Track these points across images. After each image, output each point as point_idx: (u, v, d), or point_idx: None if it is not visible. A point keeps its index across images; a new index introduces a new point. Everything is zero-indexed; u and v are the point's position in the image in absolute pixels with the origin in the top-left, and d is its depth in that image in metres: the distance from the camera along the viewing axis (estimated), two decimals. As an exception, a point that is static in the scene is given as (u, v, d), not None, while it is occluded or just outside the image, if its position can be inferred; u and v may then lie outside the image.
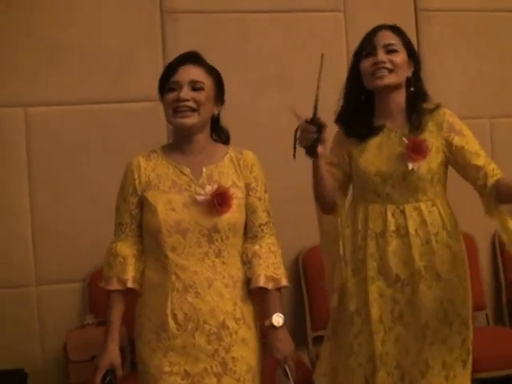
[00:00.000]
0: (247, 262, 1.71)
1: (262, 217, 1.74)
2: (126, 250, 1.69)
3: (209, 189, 1.66)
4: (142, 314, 1.70)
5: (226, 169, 1.72)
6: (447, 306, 1.85)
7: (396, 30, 1.91)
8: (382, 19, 1.99)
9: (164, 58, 2.84)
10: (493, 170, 1.82)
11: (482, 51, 3.23)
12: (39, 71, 2.77)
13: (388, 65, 1.83)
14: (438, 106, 1.91)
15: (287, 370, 1.64)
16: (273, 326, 1.67)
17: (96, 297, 2.61)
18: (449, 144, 1.85)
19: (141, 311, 1.70)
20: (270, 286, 1.68)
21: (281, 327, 1.67)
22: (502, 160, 3.16)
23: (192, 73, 1.69)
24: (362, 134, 1.91)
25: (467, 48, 3.21)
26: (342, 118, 1.97)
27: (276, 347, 1.67)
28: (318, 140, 1.66)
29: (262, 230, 1.74)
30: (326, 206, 1.90)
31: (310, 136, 1.64)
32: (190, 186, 1.68)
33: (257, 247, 1.71)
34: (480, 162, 1.83)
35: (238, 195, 1.69)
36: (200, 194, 1.66)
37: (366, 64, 1.86)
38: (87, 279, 2.74)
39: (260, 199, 1.74)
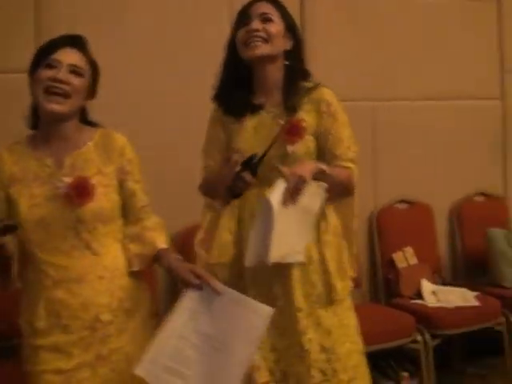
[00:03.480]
0: (136, 239, 1.64)
1: (144, 199, 1.68)
2: None
3: (66, 181, 1.55)
4: (21, 312, 1.62)
5: (90, 155, 1.62)
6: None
7: (274, 1, 1.82)
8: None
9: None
10: (346, 161, 1.77)
11: (366, 32, 3.29)
12: None
13: (262, 33, 1.73)
14: (317, 85, 1.81)
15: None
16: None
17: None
18: (319, 124, 1.78)
19: (21, 309, 1.63)
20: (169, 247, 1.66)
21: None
22: (382, 143, 3.37)
23: (75, 57, 1.58)
24: (239, 112, 1.82)
25: (352, 29, 3.25)
26: (219, 95, 1.86)
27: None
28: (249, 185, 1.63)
29: (146, 212, 1.68)
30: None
31: (244, 185, 1.61)
32: (51, 178, 1.57)
33: (144, 225, 1.66)
34: (338, 150, 1.77)
35: (103, 183, 1.60)
36: (60, 187, 1.56)
37: (241, 33, 1.76)
38: None
39: (138, 182, 1.67)
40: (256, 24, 1.74)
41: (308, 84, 1.82)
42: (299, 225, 1.64)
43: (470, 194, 3.53)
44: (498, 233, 3.25)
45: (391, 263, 3.19)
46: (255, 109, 1.81)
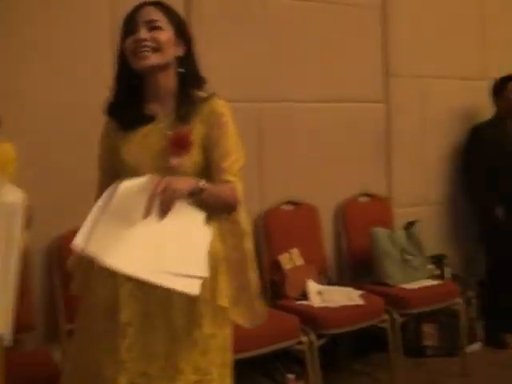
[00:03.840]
0: None
1: None
2: None
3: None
4: None
5: None
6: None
7: (161, 6, 1.73)
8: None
9: None
10: (231, 174, 1.69)
11: (253, 33, 3.26)
12: None
13: (150, 43, 1.65)
14: (211, 96, 1.74)
15: None
16: None
17: None
18: (209, 136, 1.70)
19: None
20: None
21: None
22: (268, 144, 3.35)
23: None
24: (132, 124, 1.72)
25: (239, 29, 3.21)
26: (112, 107, 1.76)
27: None
28: None
29: None
30: None
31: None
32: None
33: None
34: (225, 163, 1.69)
35: None
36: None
37: (128, 43, 1.67)
38: None
39: None
40: (143, 33, 1.66)
41: (202, 94, 1.75)
42: (153, 241, 1.49)
43: (355, 194, 3.59)
44: (381, 232, 3.32)
45: (277, 265, 3.17)
46: (148, 119, 1.72)
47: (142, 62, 1.66)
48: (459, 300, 3.33)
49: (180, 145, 1.67)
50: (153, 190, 1.44)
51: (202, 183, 1.56)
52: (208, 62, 3.00)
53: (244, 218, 1.77)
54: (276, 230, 3.25)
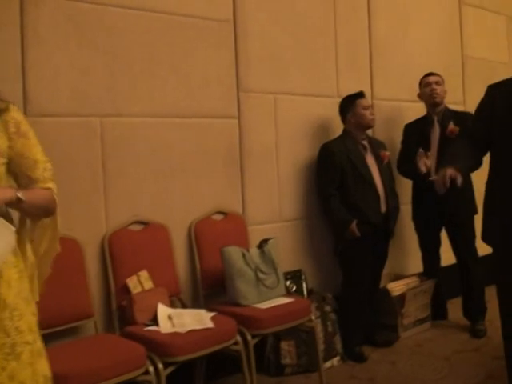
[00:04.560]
0: None
1: None
2: None
3: None
4: None
5: None
6: (15, 336, 1.63)
7: None
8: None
9: None
10: (44, 182, 1.75)
11: (94, 46, 3.06)
12: None
13: None
14: (6, 104, 1.68)
15: None
16: None
17: None
18: (11, 147, 1.67)
19: None
20: None
21: None
22: (113, 161, 3.12)
23: None
24: None
25: (77, 41, 3.00)
26: None
27: None
28: None
29: None
30: None
31: None
32: None
33: None
34: (36, 173, 1.73)
35: None
36: None
37: None
38: None
39: None
40: None
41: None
42: None
43: (208, 212, 3.48)
44: (234, 251, 3.22)
45: (126, 289, 2.98)
46: None
47: None
48: (313, 317, 3.30)
49: None
50: None
51: (21, 193, 1.58)
52: (46, 75, 2.82)
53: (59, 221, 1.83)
54: (123, 251, 3.05)
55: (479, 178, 2.99)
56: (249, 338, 2.99)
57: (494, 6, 5.55)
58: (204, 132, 3.48)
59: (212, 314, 2.99)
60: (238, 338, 2.94)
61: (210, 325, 2.86)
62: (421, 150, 4.00)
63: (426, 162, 3.98)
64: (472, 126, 2.70)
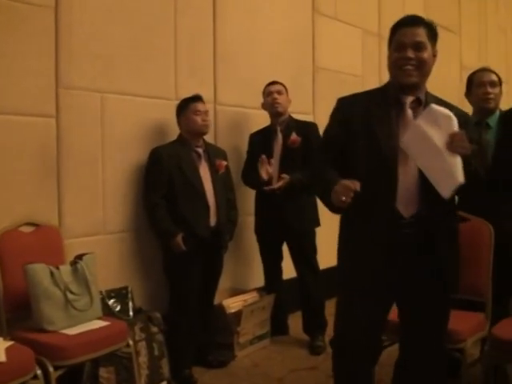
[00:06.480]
0: None
1: None
2: None
3: None
4: None
5: None
6: None
7: None
8: None
9: None
10: None
11: None
12: None
13: None
14: None
15: None
16: None
17: None
18: None
19: None
20: None
21: None
22: None
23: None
24: None
25: None
26: None
27: None
28: None
29: None
30: None
31: None
32: None
33: None
34: None
35: None
36: None
37: None
38: None
39: None
40: None
41: None
42: None
43: (15, 223, 3.03)
44: (40, 269, 2.81)
45: None
46: None
47: None
48: (130, 341, 2.98)
49: None
50: None
51: None
52: None
53: None
54: None
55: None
56: (50, 369, 2.60)
57: (350, 18, 5.54)
58: (11, 131, 3.04)
59: (9, 343, 2.58)
60: (38, 371, 2.55)
61: (2, 358, 2.44)
62: (263, 156, 3.85)
63: (267, 169, 3.83)
64: (325, 144, 2.47)
